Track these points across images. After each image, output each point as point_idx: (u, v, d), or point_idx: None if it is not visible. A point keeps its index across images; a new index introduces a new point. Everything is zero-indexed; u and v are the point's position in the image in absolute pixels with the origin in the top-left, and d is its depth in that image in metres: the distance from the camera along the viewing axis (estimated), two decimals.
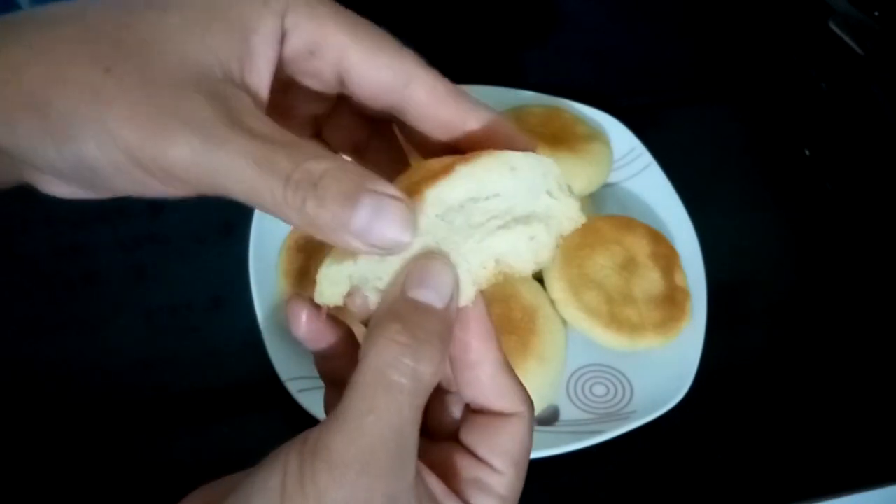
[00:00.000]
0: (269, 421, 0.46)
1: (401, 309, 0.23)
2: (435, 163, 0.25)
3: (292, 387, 0.44)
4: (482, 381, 0.26)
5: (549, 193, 0.26)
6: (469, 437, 0.26)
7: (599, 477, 0.46)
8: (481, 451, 0.26)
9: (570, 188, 0.26)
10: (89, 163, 0.22)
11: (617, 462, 0.46)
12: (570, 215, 0.26)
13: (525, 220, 0.26)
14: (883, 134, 0.63)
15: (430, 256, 0.24)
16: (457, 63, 0.63)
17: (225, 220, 0.53)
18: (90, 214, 0.54)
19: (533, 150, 0.26)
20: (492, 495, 0.25)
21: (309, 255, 0.46)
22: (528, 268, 0.25)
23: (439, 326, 0.24)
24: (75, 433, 0.45)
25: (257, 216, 0.50)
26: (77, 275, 0.51)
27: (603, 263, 0.48)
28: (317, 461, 0.22)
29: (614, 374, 0.48)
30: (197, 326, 0.50)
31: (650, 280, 0.49)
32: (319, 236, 0.23)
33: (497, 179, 0.25)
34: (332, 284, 0.25)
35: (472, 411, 0.27)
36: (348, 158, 0.27)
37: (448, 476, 0.25)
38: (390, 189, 0.23)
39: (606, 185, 0.55)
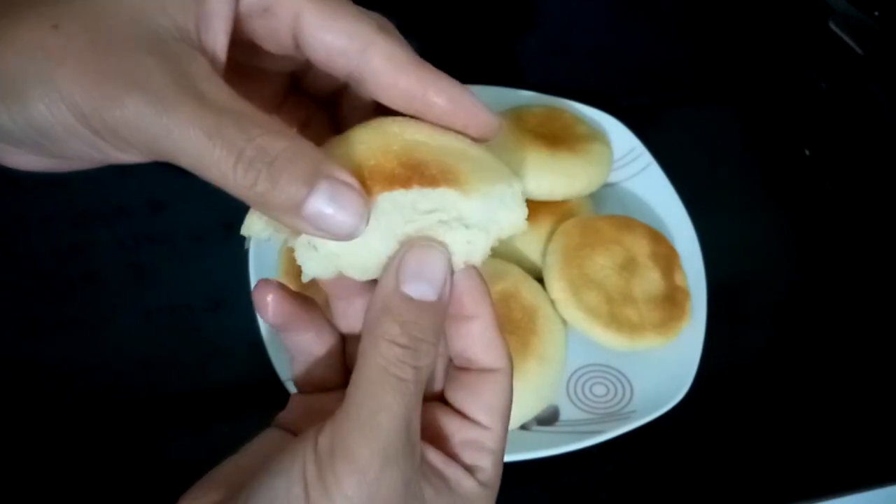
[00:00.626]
0: (269, 421, 0.46)
1: (397, 307, 0.23)
2: (383, 154, 0.24)
3: (292, 387, 0.43)
4: (473, 336, 0.26)
5: (503, 204, 0.25)
6: (455, 395, 0.27)
7: (599, 477, 0.46)
8: (469, 408, 0.26)
9: (523, 196, 0.26)
10: (39, 124, 0.21)
11: (617, 462, 0.46)
12: (514, 223, 0.26)
13: (469, 224, 0.25)
14: (883, 134, 0.63)
15: (422, 245, 0.24)
16: (457, 63, 0.63)
17: (225, 220, 0.53)
18: (90, 214, 0.54)
19: (494, 127, 0.26)
20: (484, 451, 0.26)
21: None
22: (456, 266, 0.25)
23: (435, 319, 0.24)
24: (75, 433, 0.45)
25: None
26: (77, 275, 0.51)
27: (603, 263, 0.48)
28: (337, 463, 0.22)
29: (614, 374, 0.48)
30: (196, 326, 0.50)
31: (650, 280, 0.49)
32: (267, 215, 0.23)
33: (453, 204, 0.25)
34: (259, 220, 0.25)
35: (456, 368, 0.27)
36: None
37: (440, 440, 0.26)
38: (347, 177, 0.23)
39: (606, 185, 0.55)
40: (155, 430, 0.46)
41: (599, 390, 0.47)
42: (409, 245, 0.24)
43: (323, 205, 0.22)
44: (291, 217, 0.22)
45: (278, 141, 0.22)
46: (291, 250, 0.49)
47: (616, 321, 0.47)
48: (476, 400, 0.26)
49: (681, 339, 0.48)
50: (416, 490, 0.23)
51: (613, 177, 0.56)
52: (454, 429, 0.26)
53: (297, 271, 0.45)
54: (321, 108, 0.29)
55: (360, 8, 0.26)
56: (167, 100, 0.21)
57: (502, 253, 0.50)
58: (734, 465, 0.47)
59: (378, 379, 0.23)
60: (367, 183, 0.24)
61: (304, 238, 0.25)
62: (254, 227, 0.25)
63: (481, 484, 0.25)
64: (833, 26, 0.65)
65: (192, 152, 0.21)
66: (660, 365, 0.47)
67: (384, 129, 0.25)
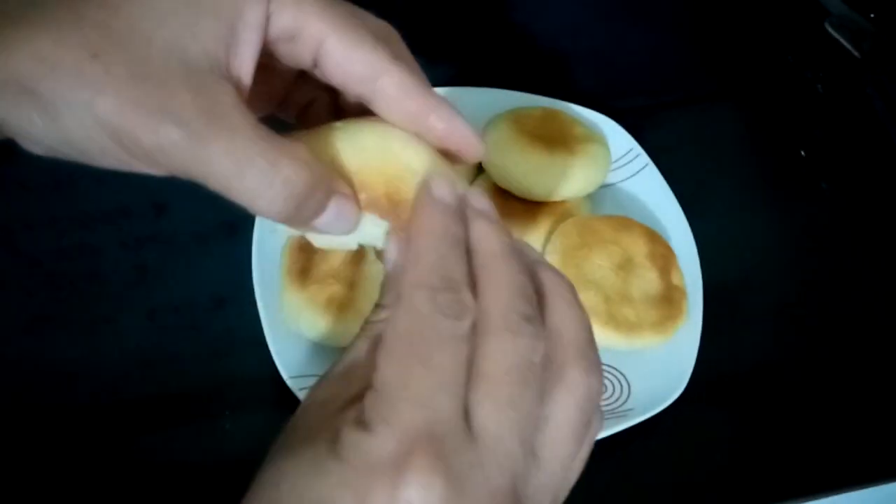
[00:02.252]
0: (272, 419, 0.46)
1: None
2: (378, 173, 0.27)
3: (295, 385, 0.44)
4: None
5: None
6: None
7: (596, 474, 0.46)
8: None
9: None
10: (76, 143, 0.23)
11: (614, 459, 0.46)
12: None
13: None
14: (878, 135, 0.64)
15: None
16: (455, 64, 0.63)
17: (228, 220, 0.53)
18: (94, 214, 0.54)
19: (480, 153, 0.29)
20: (371, 391, 0.22)
21: (311, 254, 0.47)
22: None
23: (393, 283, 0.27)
24: (78, 431, 0.46)
25: (260, 216, 0.50)
26: (80, 274, 0.52)
27: (600, 263, 0.49)
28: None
29: (612, 372, 0.48)
30: (200, 325, 0.50)
31: (647, 280, 0.49)
32: (282, 224, 0.26)
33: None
34: None
35: None
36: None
37: None
38: (347, 189, 0.26)
39: (604, 186, 0.56)
40: (157, 428, 0.46)
41: None
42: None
43: (330, 219, 0.26)
44: (303, 228, 0.26)
45: (301, 171, 0.24)
46: (293, 251, 0.49)
47: (614, 320, 0.47)
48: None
49: (678, 338, 0.48)
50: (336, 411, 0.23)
51: (611, 178, 0.56)
52: None
53: (299, 271, 0.46)
54: (324, 90, 0.31)
55: (374, 21, 0.28)
56: (200, 132, 0.23)
57: None
58: (731, 463, 0.48)
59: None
60: (356, 189, 0.27)
61: None
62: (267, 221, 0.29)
63: (355, 422, 0.21)
64: (829, 28, 0.66)
65: (222, 180, 0.24)
66: (657, 363, 0.48)
67: (389, 144, 0.28)
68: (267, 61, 0.28)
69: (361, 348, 0.26)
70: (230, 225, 0.53)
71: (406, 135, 0.28)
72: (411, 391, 0.21)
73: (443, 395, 0.22)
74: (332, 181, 0.26)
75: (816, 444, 0.49)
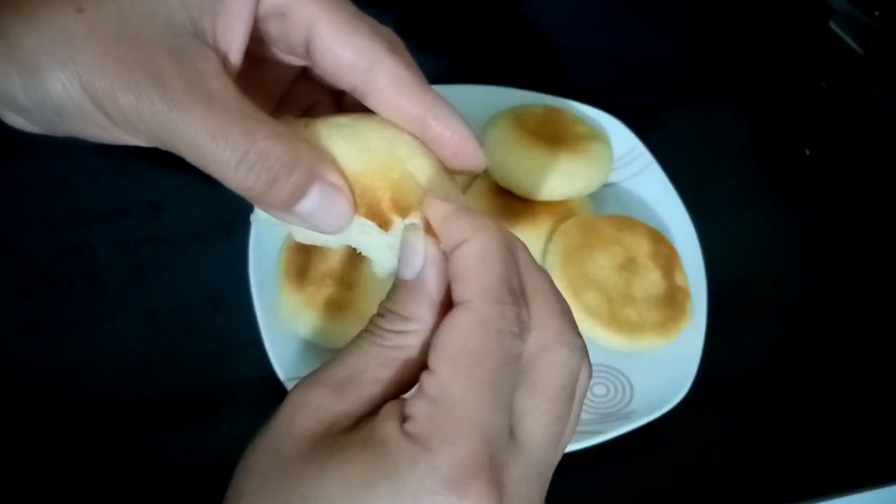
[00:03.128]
0: (269, 421, 0.46)
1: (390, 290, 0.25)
2: (382, 177, 0.26)
3: (292, 386, 0.43)
4: (453, 269, 0.24)
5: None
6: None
7: (599, 477, 0.46)
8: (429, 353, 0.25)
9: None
10: (54, 102, 0.22)
11: (617, 462, 0.46)
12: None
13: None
14: (883, 133, 0.63)
15: (406, 231, 0.25)
16: (456, 62, 0.63)
17: (225, 220, 0.53)
18: (90, 214, 0.54)
19: (480, 163, 0.27)
20: (422, 398, 0.22)
21: (309, 254, 0.46)
22: (379, 275, 0.27)
23: (413, 294, 0.24)
24: (74, 432, 0.45)
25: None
26: (76, 274, 0.51)
27: (603, 263, 0.48)
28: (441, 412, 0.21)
29: (614, 374, 0.48)
30: (196, 326, 0.50)
31: (650, 280, 0.49)
32: (260, 207, 0.25)
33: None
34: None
35: None
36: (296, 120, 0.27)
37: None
38: (338, 180, 0.24)
39: (606, 185, 0.55)
40: (154, 430, 0.46)
41: (599, 390, 0.47)
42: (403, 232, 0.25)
43: (312, 206, 0.24)
44: (284, 214, 0.24)
45: (279, 146, 0.23)
46: (290, 251, 0.49)
47: (616, 321, 0.47)
48: (433, 340, 0.23)
49: (681, 339, 0.48)
50: (332, 432, 0.22)
51: (613, 177, 0.56)
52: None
53: (296, 271, 0.45)
54: (327, 93, 0.30)
55: (375, 22, 0.27)
56: (178, 98, 0.22)
57: None
58: (734, 465, 0.47)
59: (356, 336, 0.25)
60: (355, 191, 0.25)
61: None
62: (261, 214, 0.27)
63: (406, 435, 0.21)
64: (833, 26, 0.65)
65: (196, 149, 0.23)
66: (660, 365, 0.47)
67: (393, 146, 0.26)
68: (262, 54, 0.28)
69: (369, 359, 0.24)
70: (227, 224, 0.53)
71: (413, 141, 0.27)
72: (478, 412, 0.21)
73: (502, 416, 0.22)
74: (318, 166, 0.24)
75: (820, 446, 0.48)
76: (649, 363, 0.48)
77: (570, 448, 0.43)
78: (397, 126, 0.27)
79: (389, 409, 0.22)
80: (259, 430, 0.25)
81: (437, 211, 0.24)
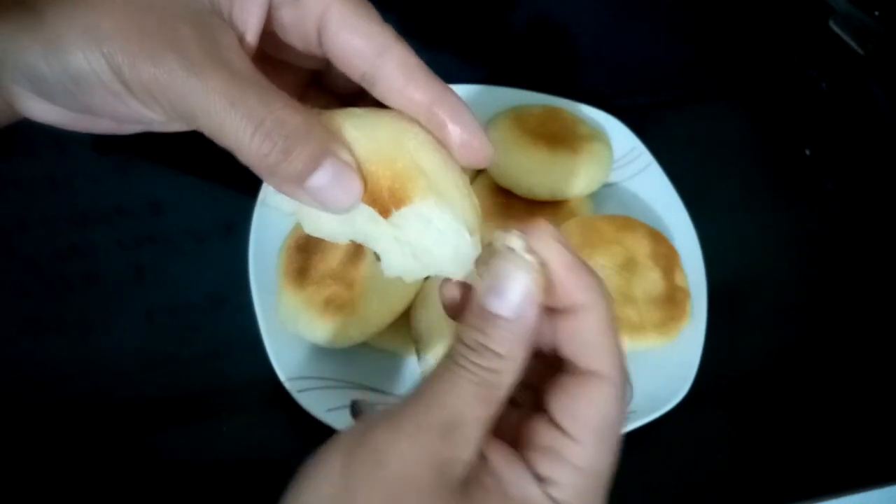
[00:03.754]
0: (269, 421, 0.46)
1: (475, 314, 0.24)
2: (386, 165, 0.26)
3: (292, 387, 0.43)
4: (578, 331, 0.25)
5: (455, 252, 0.27)
6: (550, 400, 0.25)
7: None
8: (559, 413, 0.24)
9: (474, 258, 0.27)
10: (74, 72, 0.23)
11: (617, 461, 0.46)
12: (454, 274, 0.27)
13: (418, 250, 0.27)
14: (883, 133, 0.63)
15: (509, 259, 0.24)
16: (456, 62, 0.63)
17: (225, 220, 0.53)
18: (90, 214, 0.54)
19: (486, 155, 0.27)
20: (565, 465, 0.23)
21: (309, 254, 0.46)
22: (387, 273, 0.27)
23: (510, 334, 0.24)
24: (75, 432, 0.45)
25: (257, 216, 0.49)
26: (77, 275, 0.51)
27: (603, 263, 0.48)
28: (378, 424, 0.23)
29: None
30: (196, 326, 0.50)
31: (650, 280, 0.49)
32: (271, 183, 0.25)
33: (420, 229, 0.26)
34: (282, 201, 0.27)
35: (558, 371, 0.26)
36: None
37: (520, 442, 0.25)
38: (349, 159, 0.25)
39: (606, 185, 0.55)
40: (155, 430, 0.46)
41: None
42: (497, 255, 0.25)
43: (324, 182, 0.24)
44: (295, 187, 0.24)
45: (295, 116, 0.24)
46: (290, 251, 0.49)
47: (616, 321, 0.46)
48: (568, 405, 0.24)
49: (681, 339, 0.48)
50: (450, 480, 0.22)
51: (613, 176, 0.56)
52: (537, 432, 0.24)
53: (296, 271, 0.45)
54: (338, 102, 0.30)
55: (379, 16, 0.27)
56: (197, 65, 0.23)
57: None
58: (734, 465, 0.47)
59: (441, 367, 0.24)
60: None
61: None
62: (270, 199, 0.27)
63: (552, 499, 0.23)
64: (833, 26, 0.65)
65: (213, 116, 0.23)
66: (660, 365, 0.47)
67: (402, 138, 0.26)
68: (275, 55, 0.28)
69: (469, 399, 0.23)
70: (227, 224, 0.53)
71: (424, 135, 0.27)
72: (606, 480, 0.24)
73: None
74: (331, 142, 0.24)
75: (820, 446, 0.48)
76: (649, 363, 0.47)
77: None
78: (410, 119, 0.27)
79: (516, 467, 0.23)
80: (343, 468, 0.23)
81: (558, 256, 0.25)
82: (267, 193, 0.27)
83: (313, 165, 0.24)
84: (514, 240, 0.25)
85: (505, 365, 0.24)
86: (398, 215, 0.25)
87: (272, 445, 0.45)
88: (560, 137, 0.53)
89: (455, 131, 0.26)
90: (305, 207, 0.26)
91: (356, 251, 0.45)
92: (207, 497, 0.43)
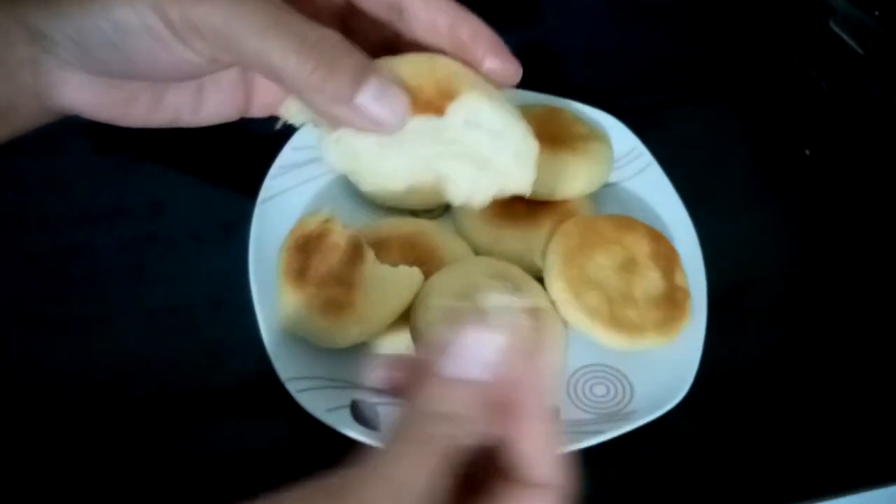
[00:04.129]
0: (269, 421, 0.46)
1: (435, 379, 0.23)
2: (427, 76, 0.27)
3: (292, 387, 0.43)
4: (518, 440, 0.24)
5: (516, 155, 0.28)
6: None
7: (600, 477, 0.45)
8: None
9: (535, 160, 0.28)
10: (116, 19, 0.24)
11: (617, 462, 0.46)
12: (519, 181, 0.28)
13: (480, 163, 0.28)
14: (883, 134, 0.63)
15: (475, 328, 0.23)
16: None
17: (225, 220, 0.53)
18: (90, 214, 0.54)
19: (513, 69, 0.29)
20: None
21: (309, 254, 0.46)
22: (456, 200, 0.29)
23: (470, 396, 0.23)
24: (74, 433, 0.45)
25: (257, 216, 0.49)
26: (77, 274, 0.51)
27: (603, 264, 0.48)
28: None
29: (615, 374, 0.48)
30: (196, 326, 0.50)
31: (650, 280, 0.49)
32: (317, 106, 0.25)
33: (476, 111, 0.27)
34: (297, 105, 0.28)
35: (499, 479, 0.24)
36: None
37: None
38: (394, 77, 0.25)
39: (606, 185, 0.55)
40: (154, 430, 0.46)
41: (600, 390, 0.47)
42: (465, 324, 0.23)
43: (371, 98, 0.24)
44: (340, 106, 0.25)
45: (336, 33, 0.25)
46: (290, 251, 0.49)
47: (616, 321, 0.46)
48: (516, 454, 0.23)
49: (681, 339, 0.48)
50: None
51: (613, 176, 0.56)
52: (492, 488, 0.23)
53: (297, 271, 0.45)
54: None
55: None
56: None
57: (502, 253, 0.50)
58: (734, 465, 0.47)
59: (401, 436, 0.22)
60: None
61: (334, 134, 0.28)
62: (291, 111, 0.28)
63: None
64: (833, 26, 0.65)
65: (258, 38, 0.24)
66: (660, 365, 0.47)
67: (435, 57, 0.28)
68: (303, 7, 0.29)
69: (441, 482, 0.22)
70: (227, 224, 0.53)
71: (456, 64, 0.28)
72: None
73: None
74: (373, 63, 0.25)
75: (820, 446, 0.48)
76: (649, 363, 0.47)
77: (571, 448, 0.43)
78: (441, 55, 0.28)
79: None
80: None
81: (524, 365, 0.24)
82: (322, 147, 0.27)
83: (360, 79, 0.24)
84: (500, 298, 0.25)
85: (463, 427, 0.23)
86: (452, 117, 0.25)
87: (271, 445, 0.45)
88: (560, 137, 0.53)
89: (478, 51, 0.28)
90: (363, 161, 0.27)
91: (356, 251, 0.45)
92: (206, 497, 0.43)
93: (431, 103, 0.26)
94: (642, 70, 0.68)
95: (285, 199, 0.51)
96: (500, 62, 0.28)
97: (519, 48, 0.67)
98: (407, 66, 0.27)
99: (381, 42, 0.31)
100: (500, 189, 0.27)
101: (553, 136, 0.52)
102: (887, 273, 0.57)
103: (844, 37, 0.64)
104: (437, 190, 0.28)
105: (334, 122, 0.26)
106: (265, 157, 0.51)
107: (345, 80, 0.24)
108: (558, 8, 0.70)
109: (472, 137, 0.26)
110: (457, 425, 0.22)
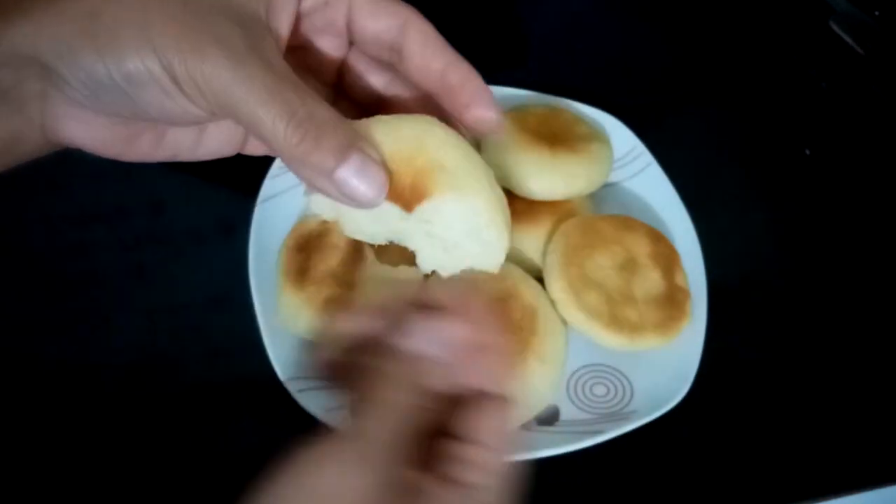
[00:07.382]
0: (269, 421, 0.46)
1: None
2: (407, 163, 0.28)
3: (292, 387, 0.43)
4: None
5: (485, 245, 0.28)
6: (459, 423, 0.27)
7: (600, 477, 0.46)
8: (459, 428, 0.27)
9: (506, 250, 0.29)
10: (126, 71, 0.25)
11: (618, 462, 0.46)
12: (487, 266, 0.29)
13: (448, 247, 0.28)
14: (883, 133, 0.63)
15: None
16: None
17: (225, 220, 0.53)
18: (90, 214, 0.54)
19: (492, 121, 0.30)
20: (472, 466, 0.26)
21: (309, 254, 0.46)
22: (425, 270, 0.29)
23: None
24: (74, 432, 0.45)
25: (257, 216, 0.49)
26: (77, 274, 0.51)
27: (603, 263, 0.48)
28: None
29: (615, 374, 0.48)
30: (196, 326, 0.50)
31: (650, 280, 0.49)
32: (300, 174, 0.27)
33: (440, 212, 0.28)
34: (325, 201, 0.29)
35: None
36: None
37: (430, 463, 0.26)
38: (377, 154, 0.27)
39: (606, 185, 0.55)
40: (153, 430, 0.46)
41: (600, 390, 0.47)
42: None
43: (351, 174, 0.26)
44: (323, 179, 0.26)
45: (326, 110, 0.26)
46: (291, 251, 0.49)
47: (616, 321, 0.46)
48: (465, 419, 0.27)
49: (681, 339, 0.48)
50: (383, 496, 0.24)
51: (614, 176, 0.56)
52: (443, 448, 0.26)
53: (296, 271, 0.45)
54: (360, 112, 0.32)
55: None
56: (240, 57, 0.25)
57: None
58: (734, 465, 0.47)
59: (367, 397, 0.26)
60: None
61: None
62: (320, 206, 0.29)
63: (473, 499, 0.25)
64: (833, 26, 0.65)
65: (252, 105, 0.25)
66: (660, 365, 0.47)
67: (424, 137, 0.28)
68: (304, 56, 0.31)
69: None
70: (227, 224, 0.53)
71: (445, 134, 0.28)
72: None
73: None
74: (358, 138, 0.26)
75: (820, 446, 0.48)
76: (649, 363, 0.47)
77: (571, 448, 0.43)
78: (432, 120, 0.29)
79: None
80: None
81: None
82: (310, 201, 0.29)
83: (341, 156, 0.26)
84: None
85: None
86: (421, 210, 0.27)
87: (271, 445, 0.45)
88: (560, 137, 0.53)
89: (462, 90, 0.29)
90: (346, 211, 0.28)
91: (356, 251, 0.45)
92: (206, 497, 0.43)
93: (402, 196, 0.27)
94: (642, 70, 0.68)
95: (285, 199, 0.51)
96: (482, 111, 0.30)
97: (519, 49, 0.67)
98: (393, 143, 0.27)
99: (380, 87, 0.33)
100: (469, 268, 0.29)
101: (553, 136, 0.53)
102: (887, 273, 0.57)
103: (844, 37, 0.64)
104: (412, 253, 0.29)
105: (316, 191, 0.28)
106: (265, 157, 0.51)
107: (326, 155, 0.26)
108: (560, 9, 0.70)
109: (440, 223, 0.28)
110: (415, 392, 0.26)
